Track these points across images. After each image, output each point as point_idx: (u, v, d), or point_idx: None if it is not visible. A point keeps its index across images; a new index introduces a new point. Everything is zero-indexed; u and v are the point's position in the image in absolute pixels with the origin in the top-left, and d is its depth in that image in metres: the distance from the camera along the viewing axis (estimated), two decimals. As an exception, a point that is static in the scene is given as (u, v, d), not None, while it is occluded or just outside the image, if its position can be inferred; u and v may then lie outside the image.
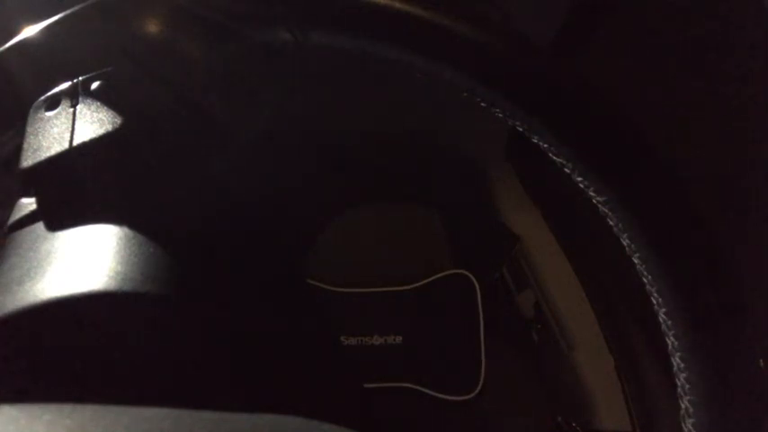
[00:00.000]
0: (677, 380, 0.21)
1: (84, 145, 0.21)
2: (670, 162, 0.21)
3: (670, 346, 0.21)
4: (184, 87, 0.25)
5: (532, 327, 0.71)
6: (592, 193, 0.21)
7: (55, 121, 0.22)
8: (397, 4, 0.21)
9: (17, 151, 0.23)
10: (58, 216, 0.21)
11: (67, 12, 0.25)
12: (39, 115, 0.23)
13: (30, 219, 0.22)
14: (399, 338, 0.70)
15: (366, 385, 0.63)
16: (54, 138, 0.22)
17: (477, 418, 0.68)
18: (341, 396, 0.23)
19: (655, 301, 0.21)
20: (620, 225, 0.21)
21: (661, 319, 0.21)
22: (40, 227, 0.21)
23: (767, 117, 0.24)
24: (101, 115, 0.22)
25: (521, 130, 0.22)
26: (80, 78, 0.23)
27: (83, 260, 0.19)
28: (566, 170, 0.22)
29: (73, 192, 0.22)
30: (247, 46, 0.25)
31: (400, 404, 0.66)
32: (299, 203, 0.75)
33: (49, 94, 0.23)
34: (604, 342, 0.62)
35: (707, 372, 0.20)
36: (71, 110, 0.22)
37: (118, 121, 0.22)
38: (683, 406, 0.21)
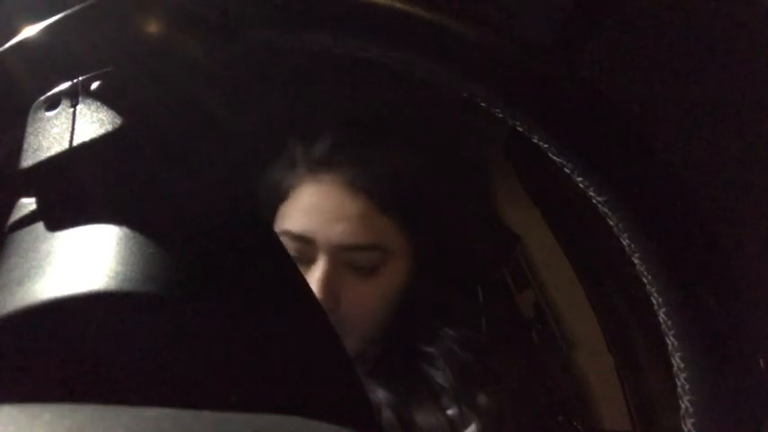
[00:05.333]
0: (677, 380, 0.21)
1: (84, 145, 0.21)
2: (670, 162, 0.21)
3: (670, 346, 0.21)
4: (184, 87, 0.25)
5: (532, 327, 0.71)
6: (592, 193, 0.21)
7: (55, 121, 0.22)
8: (398, 5, 0.21)
9: (17, 152, 0.23)
10: (58, 216, 0.21)
11: (67, 12, 0.25)
12: (39, 115, 0.23)
13: (30, 219, 0.21)
14: (399, 338, 0.70)
15: (366, 385, 0.63)
16: (54, 138, 0.22)
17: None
18: (341, 396, 0.23)
19: (655, 301, 0.21)
20: (619, 225, 0.21)
21: (661, 320, 0.21)
22: (40, 227, 0.21)
23: (767, 117, 0.24)
24: (101, 115, 0.22)
25: (521, 130, 0.22)
26: (80, 78, 0.23)
27: (83, 260, 0.19)
28: (566, 170, 0.22)
29: (73, 192, 0.22)
30: (247, 46, 0.25)
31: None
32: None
33: (49, 94, 0.23)
34: (604, 342, 0.62)
35: (707, 372, 0.20)
36: (71, 110, 0.22)
37: (118, 121, 0.22)
38: (682, 406, 0.21)
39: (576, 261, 0.66)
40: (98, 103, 0.22)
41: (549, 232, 0.69)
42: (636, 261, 0.21)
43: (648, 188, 0.21)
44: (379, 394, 0.53)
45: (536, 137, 0.22)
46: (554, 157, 0.22)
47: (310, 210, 0.56)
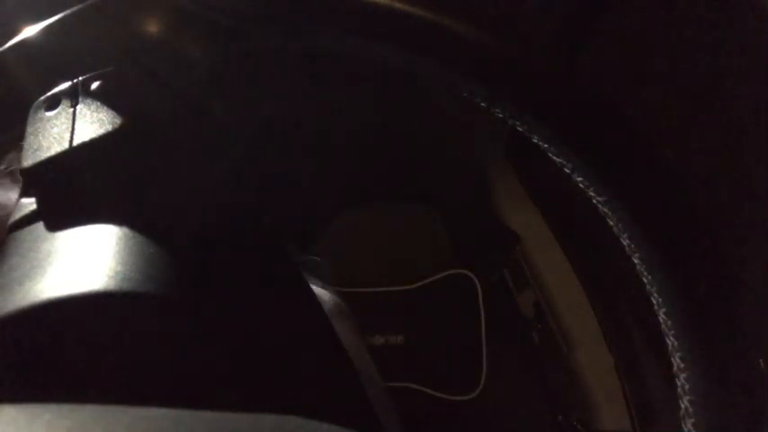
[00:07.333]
0: (677, 380, 0.21)
1: (84, 145, 0.21)
2: (670, 162, 0.21)
3: (670, 346, 0.21)
4: (185, 87, 0.25)
5: (532, 327, 0.71)
6: (592, 193, 0.21)
7: (55, 121, 0.22)
8: (398, 5, 0.21)
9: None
10: (58, 216, 0.21)
11: (67, 12, 0.25)
12: (39, 115, 0.23)
13: (30, 219, 0.22)
14: (401, 338, 0.70)
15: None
16: (54, 138, 0.22)
17: (477, 417, 0.68)
18: (341, 396, 0.23)
19: (655, 301, 0.21)
20: (619, 225, 0.21)
21: (661, 319, 0.21)
22: (39, 227, 0.21)
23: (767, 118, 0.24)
24: (101, 115, 0.22)
25: (521, 129, 0.22)
26: (80, 78, 0.23)
27: (83, 260, 0.19)
28: (566, 170, 0.22)
29: (73, 192, 0.22)
30: (248, 46, 0.25)
31: (401, 404, 0.66)
32: (300, 203, 0.75)
33: (49, 94, 0.23)
34: (604, 342, 0.62)
35: (707, 372, 0.20)
36: (71, 110, 0.23)
37: (118, 121, 0.22)
38: (682, 406, 0.21)
39: (575, 261, 0.66)
40: (98, 103, 0.22)
41: (549, 232, 0.69)
42: (636, 261, 0.21)
43: (648, 188, 0.21)
44: None
45: (536, 137, 0.22)
46: (554, 157, 0.22)
47: None
